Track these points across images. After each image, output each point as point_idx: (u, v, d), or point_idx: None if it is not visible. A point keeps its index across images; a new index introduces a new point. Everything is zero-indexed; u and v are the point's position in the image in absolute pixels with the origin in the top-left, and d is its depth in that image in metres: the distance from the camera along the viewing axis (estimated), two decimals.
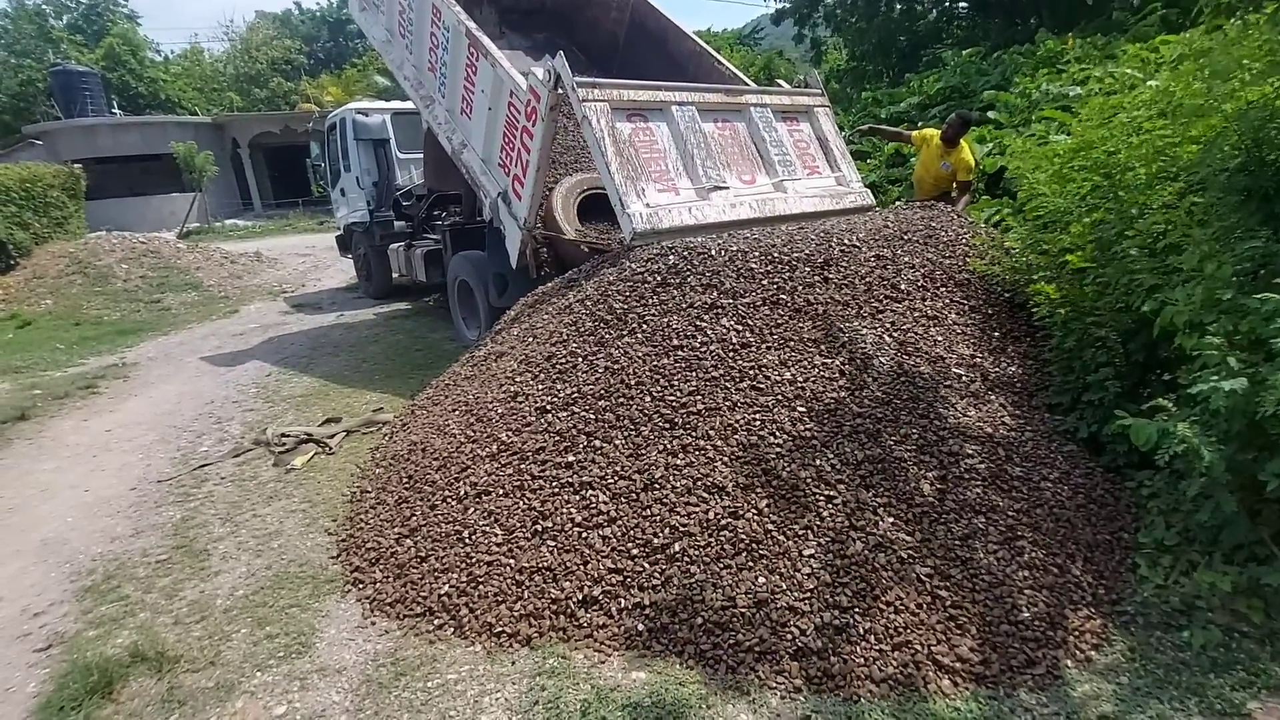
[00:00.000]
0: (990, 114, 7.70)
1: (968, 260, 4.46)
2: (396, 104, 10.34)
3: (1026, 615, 2.52)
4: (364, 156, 9.78)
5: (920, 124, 8.53)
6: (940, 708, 2.27)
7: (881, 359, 3.49)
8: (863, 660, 2.41)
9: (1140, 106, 3.82)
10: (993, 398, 3.49)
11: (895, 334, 3.70)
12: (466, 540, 3.06)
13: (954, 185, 6.33)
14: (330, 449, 4.71)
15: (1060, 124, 6.28)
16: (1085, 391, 3.46)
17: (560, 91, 4.97)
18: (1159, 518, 2.96)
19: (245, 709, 2.47)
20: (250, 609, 3.06)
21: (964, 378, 3.55)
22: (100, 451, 5.03)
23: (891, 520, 2.76)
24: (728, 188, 5.33)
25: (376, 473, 4.02)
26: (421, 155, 9.94)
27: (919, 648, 2.43)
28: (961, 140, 6.29)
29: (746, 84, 6.61)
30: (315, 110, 24.94)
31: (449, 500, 3.29)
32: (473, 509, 3.17)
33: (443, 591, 2.91)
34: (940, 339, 3.77)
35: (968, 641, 2.46)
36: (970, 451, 3.08)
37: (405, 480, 3.64)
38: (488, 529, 3.06)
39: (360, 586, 3.14)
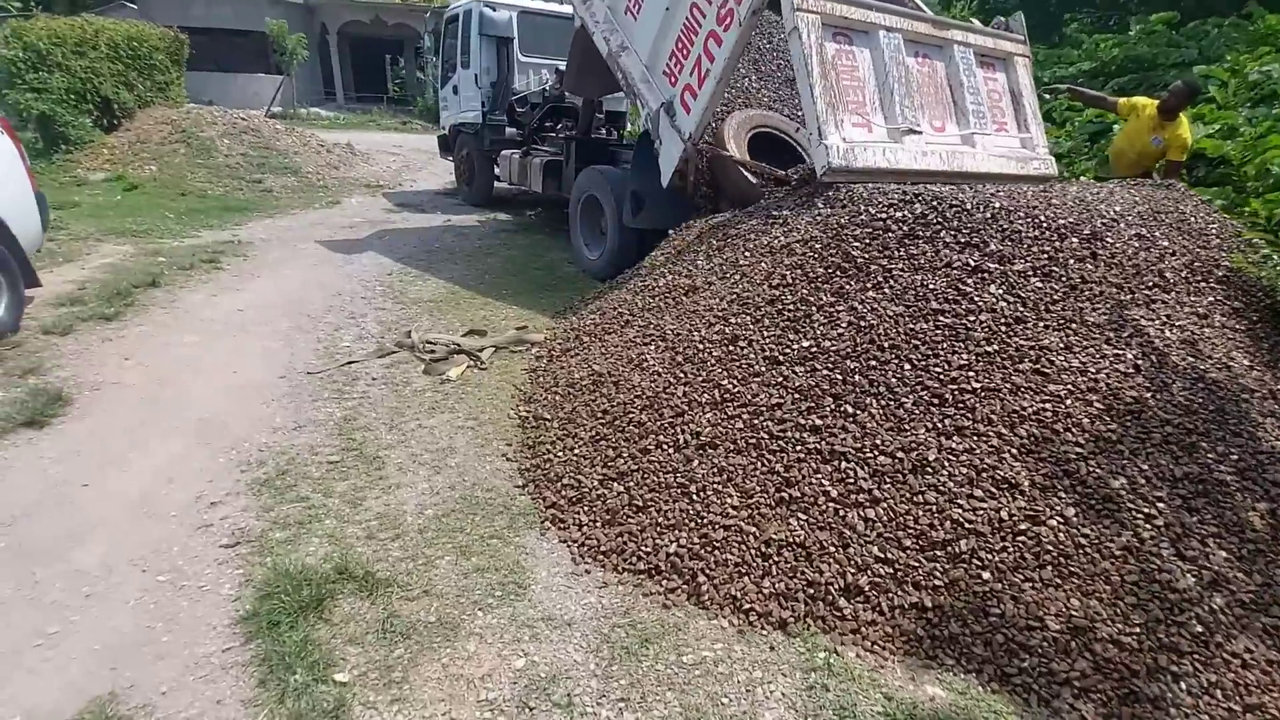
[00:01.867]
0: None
1: (1224, 254, 3.85)
2: (524, 0, 9.64)
3: None
4: (486, 54, 9.19)
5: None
6: None
7: (1174, 359, 2.98)
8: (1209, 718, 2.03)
9: None
10: (1254, 417, 2.97)
11: (1176, 330, 3.17)
12: (695, 496, 2.71)
13: (1159, 164, 5.59)
14: (483, 363, 4.40)
15: None
16: None
17: None
18: None
19: (478, 654, 2.20)
20: (446, 533, 2.79)
21: (1257, 392, 3.03)
22: (238, 332, 4.80)
23: (1224, 555, 2.33)
24: (920, 132, 4.72)
25: (551, 399, 3.70)
26: (542, 60, 9.42)
27: (1276, 715, 2.03)
28: (1181, 114, 5.51)
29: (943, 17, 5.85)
30: (397, 2, 24.05)
31: (664, 447, 2.94)
32: (697, 462, 2.82)
33: (670, 550, 2.58)
34: (1219, 343, 3.23)
35: None
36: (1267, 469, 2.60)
37: (599, 415, 3.30)
38: (719, 488, 2.71)
39: (562, 527, 2.84)
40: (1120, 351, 2.90)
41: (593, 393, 3.48)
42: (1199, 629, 2.17)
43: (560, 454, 3.21)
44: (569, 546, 2.75)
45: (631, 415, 3.16)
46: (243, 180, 9.92)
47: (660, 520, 2.69)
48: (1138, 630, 2.16)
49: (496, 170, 9.78)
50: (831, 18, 4.45)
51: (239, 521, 2.83)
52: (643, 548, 2.64)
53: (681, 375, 3.21)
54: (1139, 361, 2.88)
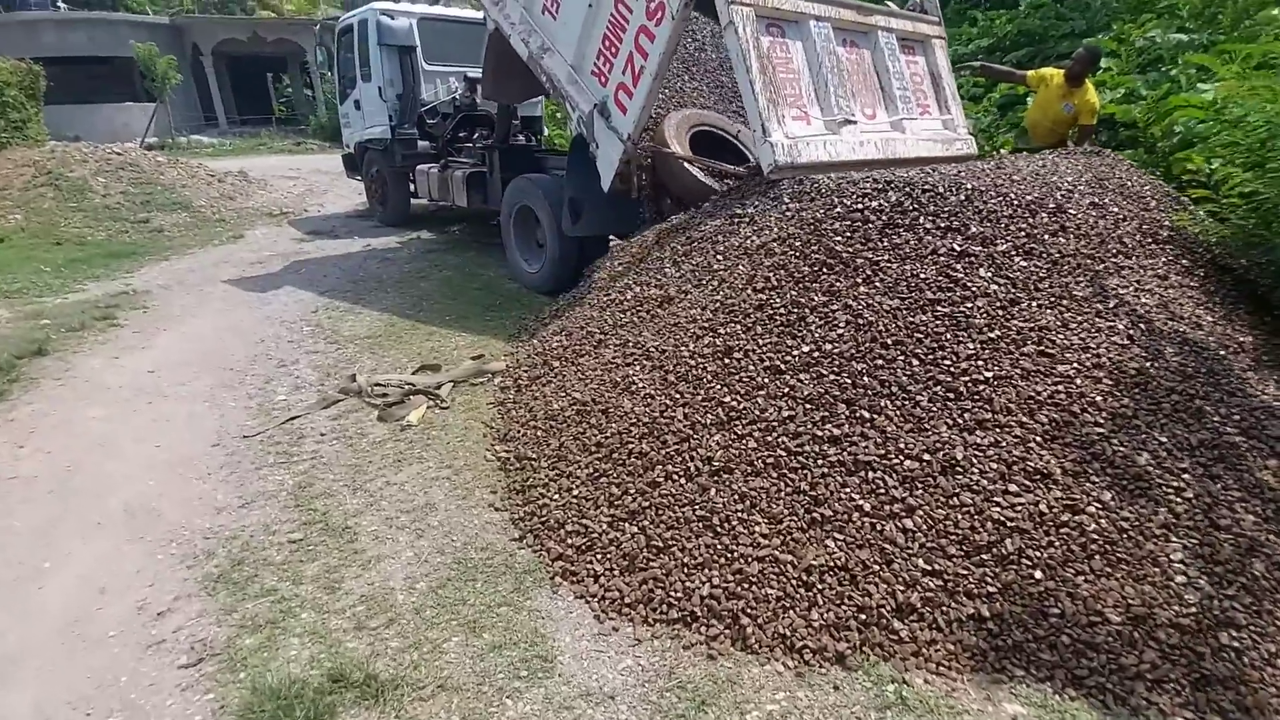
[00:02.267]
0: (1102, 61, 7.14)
1: (1163, 214, 4.00)
2: (422, 6, 9.12)
3: None
4: (388, 65, 8.63)
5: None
6: None
7: (1157, 324, 3.02)
8: (1273, 692, 2.00)
9: None
10: (1253, 376, 3.07)
11: (1148, 295, 3.22)
12: (719, 529, 2.51)
13: (1072, 130, 5.83)
14: (443, 402, 4.03)
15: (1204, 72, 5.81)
16: None
17: None
18: None
19: None
20: (448, 609, 2.47)
21: (1230, 348, 3.12)
22: (152, 398, 4.22)
23: (1252, 519, 2.33)
24: (855, 122, 4.71)
25: (531, 435, 3.40)
26: (448, 68, 8.96)
27: None
28: (1086, 79, 5.76)
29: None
30: (274, 17, 22.64)
31: (675, 478, 2.72)
32: (714, 490, 2.61)
33: (704, 593, 2.37)
34: (1185, 303, 3.32)
35: None
36: (1274, 439, 2.66)
37: (592, 448, 3.04)
38: (744, 515, 2.51)
39: (576, 580, 2.58)
40: (1112, 323, 2.91)
41: (579, 424, 3.21)
42: (1248, 599, 2.15)
43: (557, 497, 2.93)
44: (588, 602, 2.49)
45: (630, 445, 2.92)
46: (126, 221, 8.93)
47: (686, 560, 2.47)
48: (1194, 610, 2.12)
49: (412, 187, 9.25)
50: (764, 9, 4.34)
51: (197, 631, 2.40)
52: (672, 593, 2.41)
53: (678, 395, 3.00)
54: (1131, 331, 2.90)
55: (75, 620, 2.46)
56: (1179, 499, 2.35)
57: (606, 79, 5.01)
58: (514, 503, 3.06)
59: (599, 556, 2.62)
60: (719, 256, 3.64)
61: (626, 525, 2.66)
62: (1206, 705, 1.98)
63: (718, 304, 3.32)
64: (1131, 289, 3.20)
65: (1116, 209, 3.78)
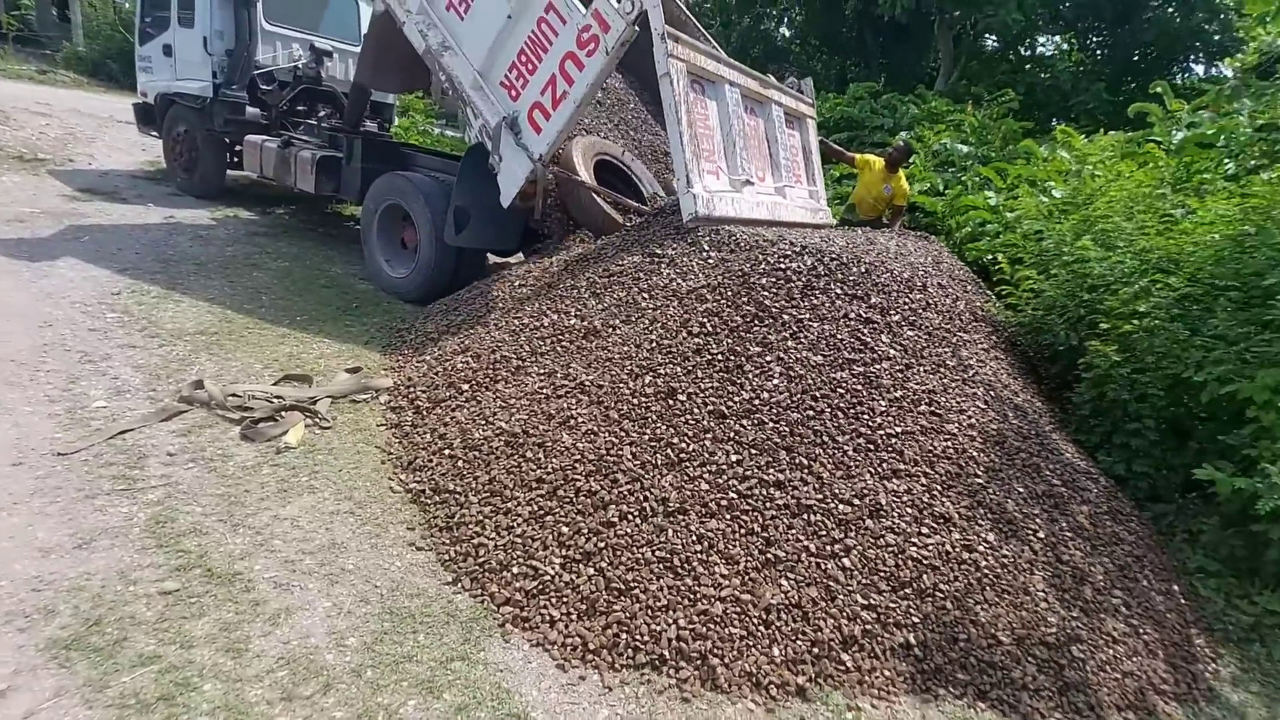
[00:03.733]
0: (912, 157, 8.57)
1: (975, 297, 4.95)
2: None
3: (1195, 638, 2.93)
4: (219, 14, 7.44)
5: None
6: None
7: (997, 392, 3.72)
8: (1108, 690, 2.59)
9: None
10: (1056, 436, 3.93)
11: (986, 367, 3.96)
12: (680, 570, 2.57)
13: (888, 208, 6.96)
14: (324, 420, 3.57)
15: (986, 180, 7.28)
16: (1115, 433, 4.08)
17: (637, 30, 4.34)
18: (1186, 544, 3.64)
19: None
20: (392, 666, 2.21)
21: (1043, 415, 3.95)
22: None
23: (1079, 553, 2.99)
24: (754, 183, 5.19)
25: (448, 465, 3.16)
26: (291, 31, 8.00)
27: (1140, 674, 2.68)
28: (900, 168, 6.93)
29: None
30: None
31: (630, 518, 2.72)
32: (672, 531, 2.67)
33: (672, 635, 2.42)
34: (1004, 375, 4.13)
35: (1160, 664, 2.78)
36: (1087, 485, 3.45)
37: (531, 484, 2.91)
38: (704, 556, 2.61)
39: (529, 627, 2.46)
40: (974, 390, 3.53)
41: (512, 456, 3.06)
42: (1086, 618, 2.75)
43: (495, 536, 2.77)
44: (547, 650, 2.39)
45: (576, 483, 2.87)
46: None
47: (650, 603, 2.49)
48: (1054, 630, 2.66)
49: (233, 158, 8.02)
50: (694, 66, 4.59)
51: (57, 716, 1.87)
52: (639, 637, 2.42)
53: (624, 434, 3.01)
54: (986, 397, 3.54)
55: None
56: (1035, 539, 2.93)
57: (519, 94, 4.87)
58: (440, 542, 2.82)
59: (554, 600, 2.53)
60: (645, 295, 3.73)
61: (582, 567, 2.60)
62: (1070, 707, 2.49)
63: (653, 343, 3.40)
64: (976, 361, 3.91)
65: (954, 290, 4.58)
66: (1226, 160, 5.59)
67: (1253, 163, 4.64)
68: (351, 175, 6.72)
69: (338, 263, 6.63)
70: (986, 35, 13.90)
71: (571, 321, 3.76)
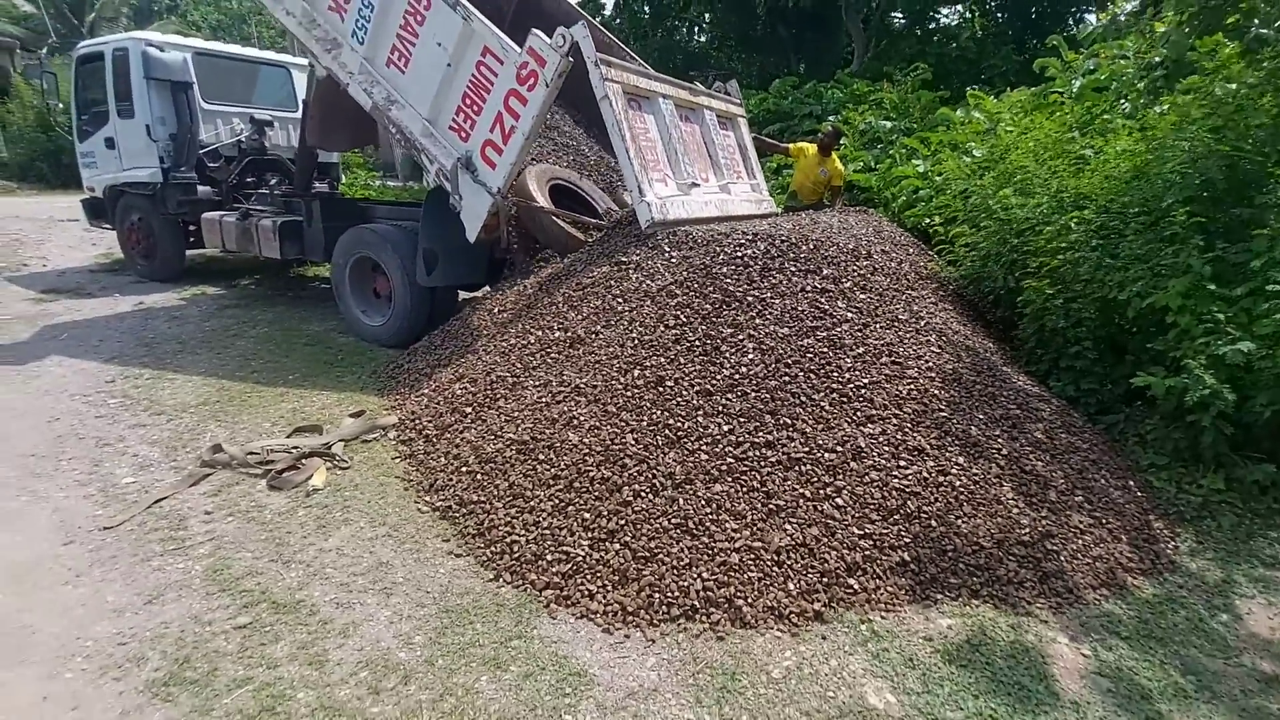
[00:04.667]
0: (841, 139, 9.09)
1: (919, 258, 5.39)
2: (196, 41, 8.23)
3: (1154, 522, 3.33)
4: (157, 101, 7.61)
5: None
6: (1146, 596, 2.93)
7: (949, 337, 4.12)
8: (1082, 575, 2.96)
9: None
10: (1008, 369, 4.35)
11: (936, 317, 4.37)
12: (695, 531, 2.88)
13: (827, 190, 7.41)
14: (343, 462, 3.80)
15: (912, 151, 7.79)
16: (1060, 359, 4.52)
17: (571, 60, 4.69)
18: (1138, 446, 4.06)
19: None
20: (459, 652, 2.48)
21: (989, 353, 4.37)
22: None
23: (1041, 463, 3.37)
24: (699, 185, 5.58)
25: (467, 480, 3.42)
26: (229, 107, 8.22)
27: (1108, 558, 3.06)
28: (833, 151, 7.39)
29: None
30: None
31: (643, 495, 3.02)
32: (682, 500, 2.98)
33: (698, 588, 2.72)
34: (954, 323, 4.55)
35: (1124, 547, 3.17)
36: (1040, 406, 3.86)
37: (549, 482, 3.20)
38: (714, 517, 2.92)
39: (572, 603, 2.75)
40: (927, 338, 3.92)
41: (525, 462, 3.35)
42: (1054, 516, 3.13)
43: (524, 532, 3.04)
44: (592, 619, 2.68)
45: (589, 473, 3.16)
46: None
47: (674, 564, 2.80)
48: (1027, 530, 3.03)
49: (191, 238, 8.17)
50: (628, 86, 4.96)
51: None
52: (669, 594, 2.71)
53: (624, 423, 3.32)
54: (939, 344, 3.93)
55: None
56: (999, 456, 3.31)
57: (468, 135, 5.17)
58: (475, 546, 3.09)
59: (589, 577, 2.82)
60: (619, 299, 4.05)
61: (608, 544, 2.90)
62: (1051, 593, 2.86)
63: (635, 341, 3.72)
64: (926, 314, 4.31)
65: (897, 254, 5.00)
66: (1121, 100, 6.15)
67: (1142, 100, 5.17)
68: (314, 236, 6.93)
69: (313, 321, 6.83)
70: (892, 14, 14.67)
71: (555, 334, 4.07)
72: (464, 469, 3.51)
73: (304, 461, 3.76)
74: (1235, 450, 3.74)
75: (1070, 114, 6.03)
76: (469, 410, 3.91)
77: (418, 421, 4.08)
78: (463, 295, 6.84)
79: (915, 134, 8.24)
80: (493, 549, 3.04)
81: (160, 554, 3.00)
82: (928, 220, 6.57)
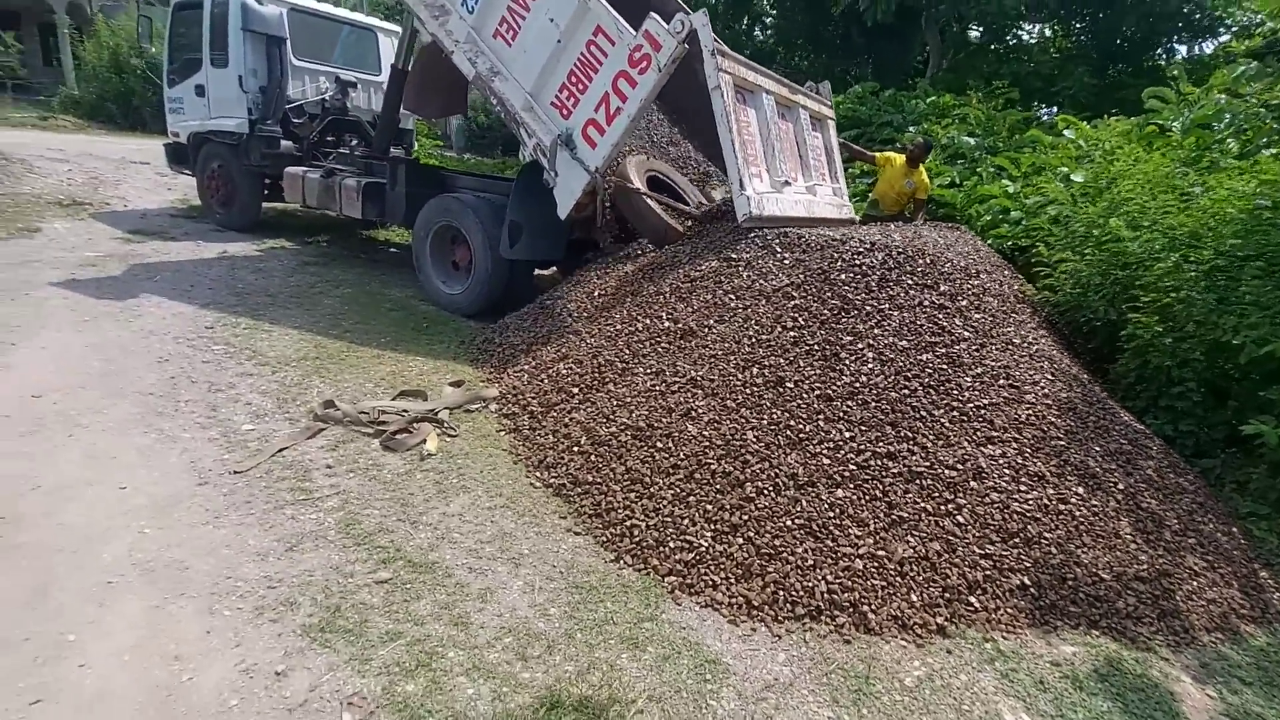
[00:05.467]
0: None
1: (1015, 280, 5.34)
2: None
3: (1259, 571, 3.31)
4: (252, 53, 7.72)
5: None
6: (1261, 644, 2.92)
7: (1059, 365, 4.10)
8: (1197, 616, 2.96)
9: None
10: (1112, 404, 4.31)
11: (1043, 343, 4.34)
12: (819, 534, 2.92)
13: (910, 202, 7.34)
14: (453, 430, 3.88)
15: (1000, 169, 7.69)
16: (1160, 398, 4.48)
17: (687, 47, 4.68)
18: (1234, 493, 4.02)
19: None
20: (596, 629, 2.54)
21: (1092, 384, 4.33)
22: (67, 428, 3.43)
23: (1155, 501, 3.36)
24: (791, 184, 5.56)
25: (580, 461, 3.48)
26: (317, 65, 8.33)
27: (1221, 602, 3.06)
28: (921, 163, 7.32)
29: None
30: None
31: (766, 493, 3.06)
32: (805, 501, 3.02)
33: (823, 589, 2.76)
34: (1056, 352, 4.51)
35: (1235, 593, 3.16)
36: (1148, 443, 3.84)
37: (667, 470, 3.25)
38: (838, 521, 2.95)
39: (695, 592, 2.80)
40: (1041, 364, 3.90)
41: (642, 448, 3.40)
42: (1170, 555, 3.12)
43: (645, 518, 3.10)
44: (717, 610, 2.73)
45: (710, 466, 3.20)
46: None
47: (798, 563, 2.84)
48: (1145, 566, 3.03)
49: (267, 190, 8.33)
50: (738, 78, 4.95)
51: (339, 687, 2.18)
52: (794, 593, 2.76)
53: (744, 420, 3.36)
54: (1051, 370, 3.91)
55: (167, 696, 2.08)
56: (1117, 490, 3.30)
57: (570, 112, 5.20)
58: (593, 526, 3.15)
59: (712, 568, 2.87)
60: (732, 295, 4.08)
61: (731, 538, 2.94)
62: (1168, 630, 2.86)
63: (752, 339, 3.74)
64: (1033, 338, 4.28)
65: (1000, 276, 4.97)
66: (1229, 139, 6.03)
67: (1264, 139, 5.06)
68: (396, 200, 7.02)
69: (393, 286, 6.93)
70: (972, 26, 14.41)
71: (665, 324, 4.10)
72: (575, 449, 3.57)
73: (415, 426, 3.84)
74: None
75: (1180, 148, 5.91)
76: (575, 391, 3.96)
77: (521, 397, 4.15)
78: (537, 272, 6.90)
79: (1002, 153, 8.13)
80: (612, 530, 3.09)
81: (291, 503, 3.10)
82: (1011, 243, 6.51)
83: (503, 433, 3.95)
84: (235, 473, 3.27)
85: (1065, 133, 7.67)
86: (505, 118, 5.63)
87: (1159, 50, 12.36)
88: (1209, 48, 12.02)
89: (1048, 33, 14.01)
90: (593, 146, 5.11)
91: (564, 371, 4.13)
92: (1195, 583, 3.07)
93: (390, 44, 8.87)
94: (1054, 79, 13.15)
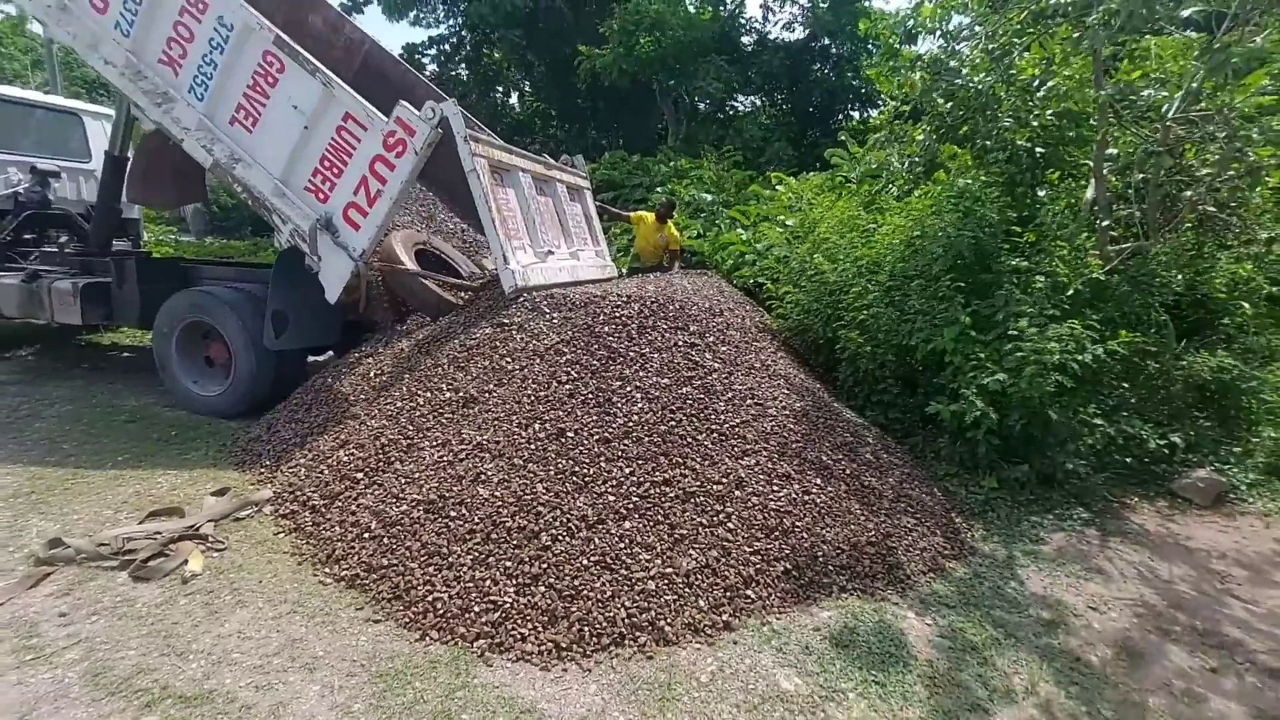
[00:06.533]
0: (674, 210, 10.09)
1: (756, 315, 6.28)
2: None
3: (955, 518, 4.22)
4: None
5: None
6: (960, 575, 3.73)
7: (796, 383, 4.89)
8: (915, 563, 3.70)
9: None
10: (836, 405, 5.24)
11: (782, 365, 5.15)
12: (614, 566, 3.17)
13: (666, 253, 8.30)
14: (219, 543, 3.54)
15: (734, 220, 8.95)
16: (872, 395, 5.53)
17: (440, 132, 4.93)
18: (933, 459, 5.10)
19: None
20: (407, 710, 2.50)
21: (818, 391, 5.23)
22: None
23: (874, 479, 4.15)
24: (554, 252, 6.06)
25: (370, 547, 3.39)
26: (9, 156, 7.20)
27: (930, 549, 3.85)
28: (669, 219, 8.33)
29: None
30: None
31: (561, 539, 3.25)
32: (597, 539, 3.26)
33: (623, 616, 3.00)
34: (794, 370, 5.39)
35: (939, 540, 4.00)
36: (864, 434, 4.72)
37: (463, 537, 3.30)
38: (628, 551, 3.24)
39: (504, 649, 2.88)
40: (778, 383, 4.63)
41: (436, 520, 3.41)
42: (889, 520, 3.87)
43: (446, 589, 3.11)
44: (528, 661, 2.83)
45: (504, 523, 3.32)
46: None
47: (598, 598, 3.05)
48: (873, 533, 3.72)
49: None
50: (493, 160, 5.29)
51: None
52: (597, 626, 2.96)
53: (533, 474, 3.53)
54: (787, 387, 4.66)
55: None
56: (845, 475, 4.02)
57: (327, 196, 5.13)
58: (394, 609, 3.09)
59: (519, 622, 2.97)
60: (508, 359, 4.28)
61: (533, 588, 3.08)
62: (896, 579, 3.54)
63: (530, 397, 3.97)
64: (771, 361, 5.06)
65: (740, 311, 5.79)
66: (890, 186, 7.70)
67: (908, 187, 6.61)
68: (126, 299, 6.25)
69: (127, 395, 6.10)
70: (697, 99, 16.59)
71: (446, 395, 4.18)
72: (366, 535, 3.47)
73: (172, 547, 3.44)
74: (1003, 458, 4.86)
75: (857, 195, 7.43)
76: (360, 476, 3.85)
77: (300, 492, 3.91)
78: (310, 359, 6.53)
79: (734, 206, 9.46)
80: (414, 609, 3.06)
81: (15, 666, 2.62)
82: (753, 280, 7.61)
83: (282, 534, 3.69)
84: None
85: (778, 187, 9.17)
86: (253, 204, 5.38)
87: (840, 116, 15.31)
88: (874, 113, 15.23)
89: (758, 102, 16.63)
90: (356, 229, 5.07)
91: (345, 458, 3.99)
92: (910, 537, 3.84)
93: (102, 128, 7.94)
94: (760, 148, 15.60)
